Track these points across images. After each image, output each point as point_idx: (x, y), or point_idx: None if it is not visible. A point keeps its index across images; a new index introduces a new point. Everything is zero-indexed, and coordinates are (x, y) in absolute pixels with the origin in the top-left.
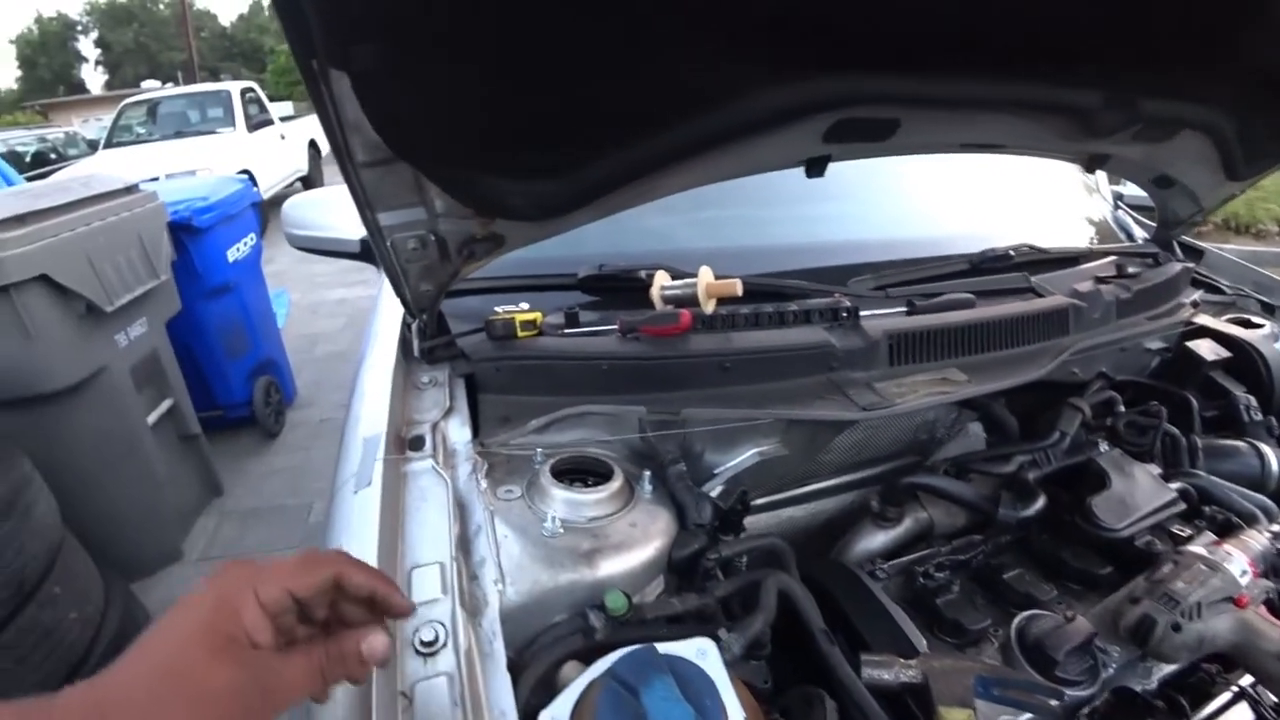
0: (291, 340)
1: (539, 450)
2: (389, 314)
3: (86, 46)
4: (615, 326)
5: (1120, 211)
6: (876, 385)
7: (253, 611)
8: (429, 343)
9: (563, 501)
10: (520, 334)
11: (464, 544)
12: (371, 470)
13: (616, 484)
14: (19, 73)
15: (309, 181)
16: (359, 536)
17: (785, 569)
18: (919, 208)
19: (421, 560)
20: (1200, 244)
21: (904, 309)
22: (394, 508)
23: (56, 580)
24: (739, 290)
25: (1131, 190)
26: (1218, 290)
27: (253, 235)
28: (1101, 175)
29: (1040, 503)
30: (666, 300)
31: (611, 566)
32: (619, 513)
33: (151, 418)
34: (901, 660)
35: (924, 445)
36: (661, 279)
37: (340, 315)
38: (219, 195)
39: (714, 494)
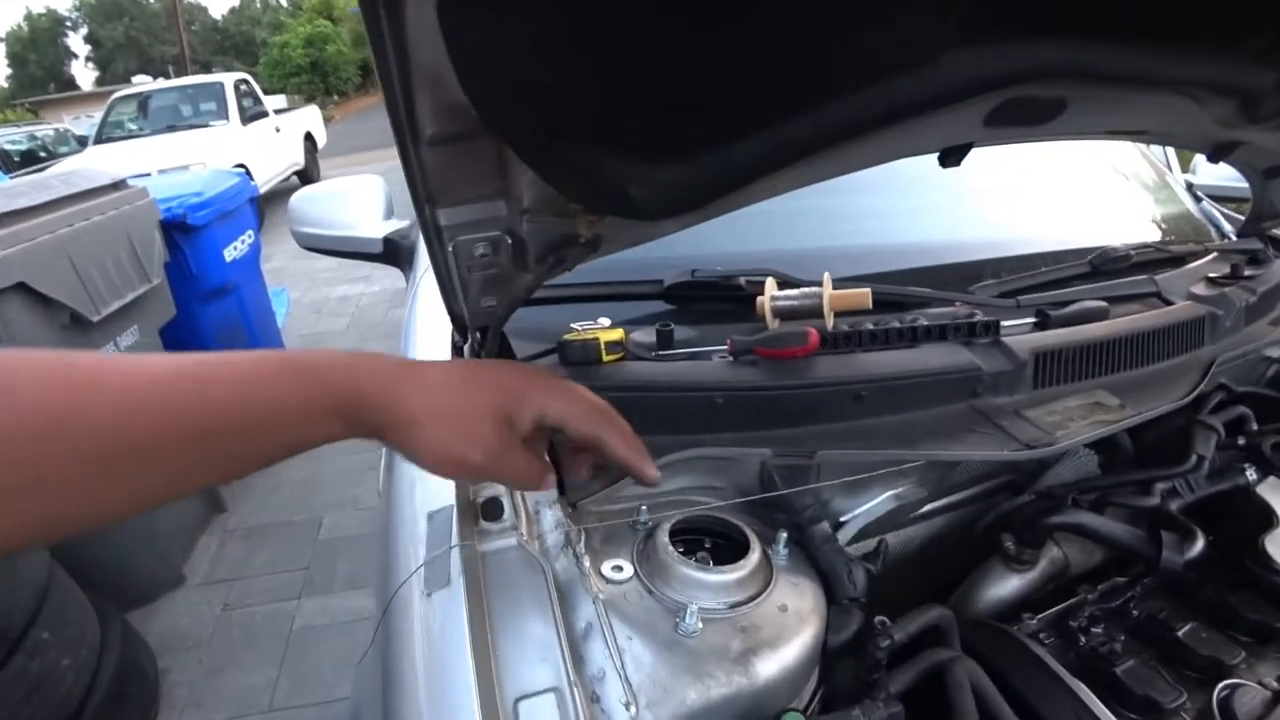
0: (293, 342)
1: (643, 507)
2: (429, 330)
3: (76, 43)
4: (724, 347)
5: (1205, 204)
6: (1027, 414)
7: (530, 417)
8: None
9: (696, 583)
10: (605, 357)
11: (574, 651)
12: (449, 564)
13: (756, 555)
14: (9, 70)
15: (305, 176)
16: (444, 662)
17: (950, 643)
18: (1005, 202)
19: (529, 688)
20: None
21: (1033, 319)
22: (481, 611)
23: (45, 624)
24: (869, 301)
25: (1200, 180)
26: None
27: (251, 232)
28: (1175, 164)
29: (1200, 543)
30: (778, 314)
31: (769, 667)
32: (764, 593)
33: None
34: None
35: (1023, 464)
36: (771, 288)
37: (344, 314)
38: (214, 190)
39: (847, 547)
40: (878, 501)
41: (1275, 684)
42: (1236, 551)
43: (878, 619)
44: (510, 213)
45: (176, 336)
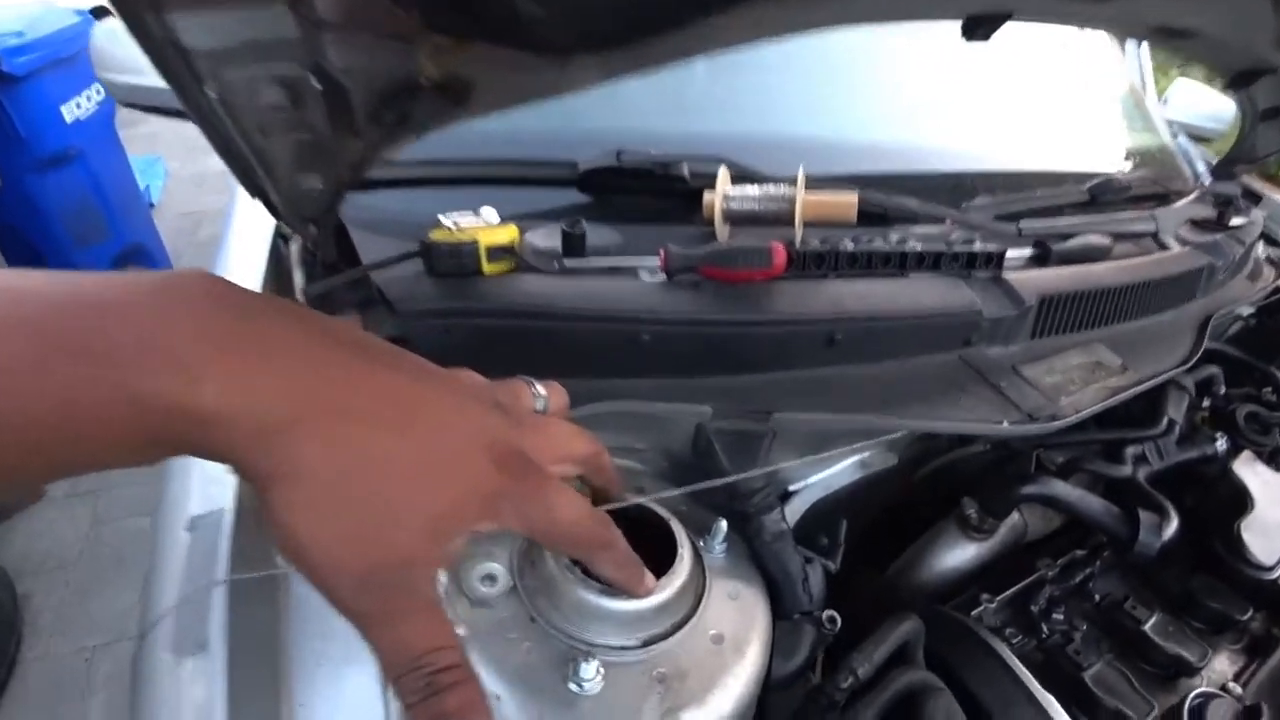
0: (169, 221)
1: None
2: (249, 229)
3: None
4: (655, 261)
5: (1181, 139)
6: (1025, 371)
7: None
8: (322, 283)
9: (598, 613)
10: (488, 267)
11: None
12: (208, 617)
13: (685, 564)
14: None
15: None
16: None
17: (915, 658)
18: (1000, 108)
19: None
20: (1258, 187)
21: (1031, 251)
22: (267, 677)
23: None
24: (854, 211)
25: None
26: (1275, 243)
27: (99, 87)
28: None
29: (1175, 525)
30: (732, 219)
31: None
32: (692, 617)
33: None
34: None
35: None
36: (725, 182)
37: (231, 188)
38: (41, 31)
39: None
40: (838, 470)
41: (1238, 687)
42: (1203, 531)
43: (826, 614)
44: (304, 30)
45: (7, 212)
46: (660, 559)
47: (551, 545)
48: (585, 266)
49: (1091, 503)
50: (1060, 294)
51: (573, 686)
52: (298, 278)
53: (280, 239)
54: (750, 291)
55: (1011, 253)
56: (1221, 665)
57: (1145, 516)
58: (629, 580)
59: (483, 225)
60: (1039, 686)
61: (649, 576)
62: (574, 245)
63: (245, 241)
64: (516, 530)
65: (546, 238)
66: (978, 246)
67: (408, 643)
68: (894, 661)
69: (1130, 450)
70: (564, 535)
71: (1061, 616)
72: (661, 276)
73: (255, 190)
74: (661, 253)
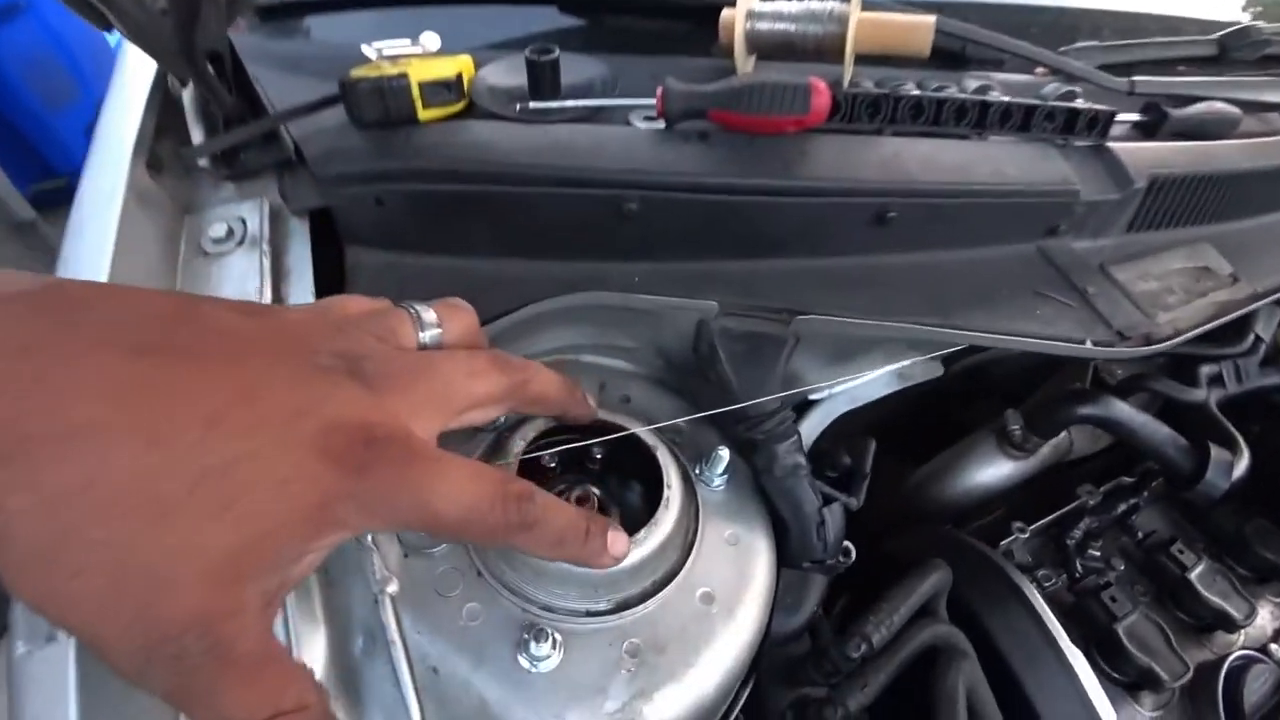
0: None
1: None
2: (137, 77)
3: None
4: (650, 103)
5: None
6: (1116, 274)
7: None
8: (216, 140)
9: (557, 571)
10: (424, 112)
11: (346, 683)
12: None
13: (671, 516)
14: None
15: None
16: None
17: (938, 610)
18: None
19: None
20: None
21: (1140, 117)
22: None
23: None
24: (927, 42)
25: None
26: None
27: None
28: None
29: (1246, 463)
30: (758, 47)
31: (675, 704)
32: (679, 571)
33: None
34: None
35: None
36: None
37: None
38: None
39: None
40: (869, 379)
41: (1278, 650)
42: (1268, 468)
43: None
44: None
45: None
46: (647, 491)
47: (447, 540)
48: (556, 109)
49: (1156, 431)
50: (1174, 176)
51: (524, 662)
52: (196, 134)
53: (161, 86)
54: (776, 148)
55: (1120, 117)
56: (1263, 620)
57: (1216, 453)
58: (576, 558)
59: (421, 54)
60: (1069, 642)
61: (616, 539)
62: (543, 80)
63: (133, 88)
64: (389, 531)
65: (507, 73)
66: (1081, 104)
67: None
68: (914, 616)
69: (1205, 370)
70: (454, 528)
71: (1098, 553)
72: (658, 124)
73: (95, 19)
74: (660, 91)
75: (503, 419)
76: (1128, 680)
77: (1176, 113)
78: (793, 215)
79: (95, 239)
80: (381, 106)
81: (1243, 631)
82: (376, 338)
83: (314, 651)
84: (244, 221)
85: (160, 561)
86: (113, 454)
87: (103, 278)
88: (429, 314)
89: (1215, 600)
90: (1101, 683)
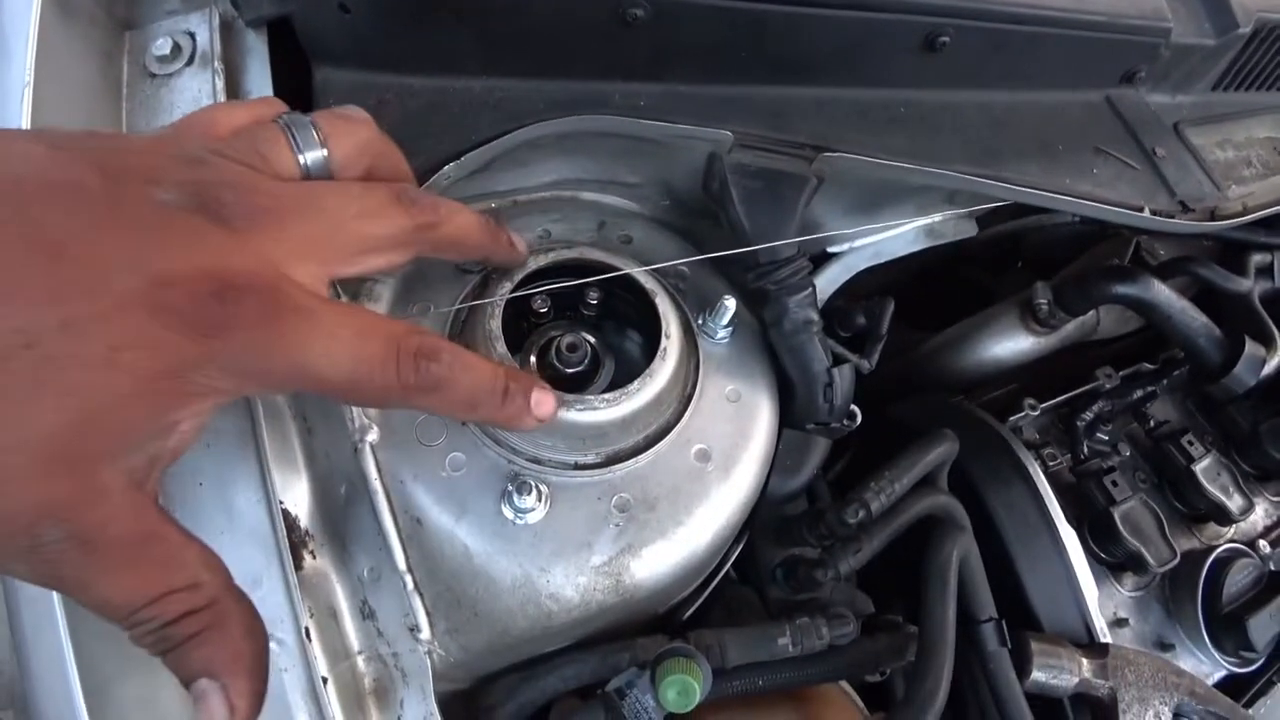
0: None
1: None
2: None
3: None
4: None
5: None
6: (1189, 135)
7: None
8: None
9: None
10: None
11: (330, 531)
12: None
13: (668, 367)
14: None
15: None
16: None
17: (939, 481)
18: None
19: None
20: None
21: None
22: None
23: None
24: None
25: None
26: None
27: None
28: None
29: (1279, 359)
30: None
31: (660, 569)
32: (674, 426)
33: None
34: (1085, 657)
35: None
36: None
37: None
38: None
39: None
40: (897, 232)
41: (1266, 545)
42: None
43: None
44: None
45: None
46: (645, 341)
47: (342, 403)
48: None
49: (1193, 319)
50: None
51: (508, 513)
52: None
53: None
54: None
55: None
56: (1256, 517)
57: (1250, 348)
58: (493, 421)
59: None
60: (1064, 521)
61: (542, 400)
62: None
63: None
64: (277, 393)
65: None
66: None
67: (111, 604)
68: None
69: (1256, 259)
70: (340, 389)
71: (1106, 437)
72: None
73: None
74: None
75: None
76: (1114, 560)
77: None
78: (827, 33)
79: (16, 64)
80: None
81: (1235, 525)
82: (245, 164)
83: (297, 498)
84: (192, 36)
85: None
86: None
87: (25, 109)
88: (310, 131)
89: (1214, 493)
90: (1089, 561)
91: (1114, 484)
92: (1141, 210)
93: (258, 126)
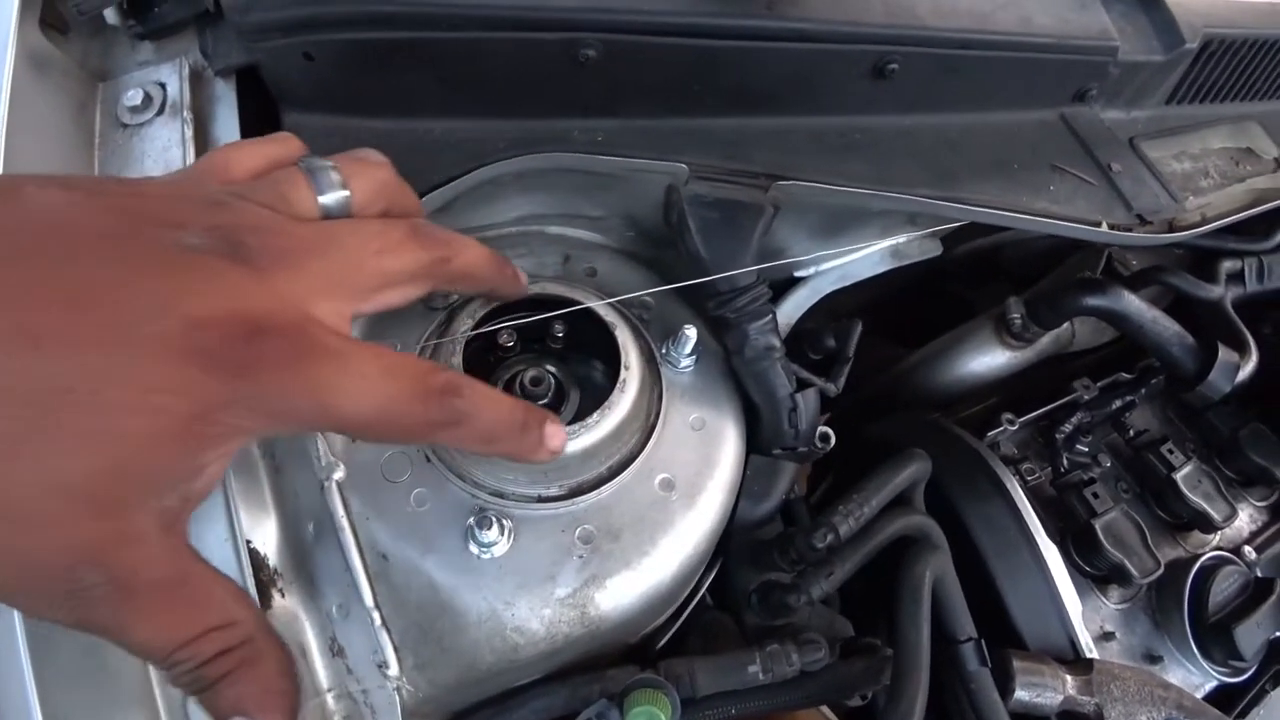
0: None
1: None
2: None
3: None
4: None
5: None
6: (1145, 149)
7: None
8: None
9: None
10: None
11: (299, 569)
12: None
13: (628, 399)
14: None
15: None
16: None
17: (915, 502)
18: None
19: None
20: None
21: None
22: None
23: None
24: None
25: None
26: None
27: None
28: None
29: (1253, 366)
30: None
31: (624, 601)
32: (636, 456)
33: None
34: (1069, 674)
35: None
36: None
37: None
38: None
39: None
40: (860, 255)
41: (1251, 551)
42: (1273, 369)
43: (819, 431)
44: None
45: None
46: (609, 371)
47: (365, 440)
48: None
49: (1165, 328)
50: (1233, 38)
51: (472, 548)
52: None
53: None
54: None
55: None
56: (1240, 523)
57: (1223, 354)
58: (512, 453)
59: None
60: (1044, 536)
61: (554, 433)
62: None
63: None
64: (297, 434)
65: None
66: None
67: (150, 646)
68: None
69: (1226, 265)
70: (366, 428)
71: (1086, 449)
72: None
73: None
74: None
75: (456, 296)
76: (1098, 574)
77: None
78: (778, 64)
79: None
80: None
81: (1219, 533)
82: (266, 206)
83: (265, 537)
84: (163, 87)
85: (16, 498)
86: None
87: None
88: (330, 173)
89: (1197, 501)
90: (1071, 575)
91: (1095, 495)
92: (1099, 225)
93: (278, 170)
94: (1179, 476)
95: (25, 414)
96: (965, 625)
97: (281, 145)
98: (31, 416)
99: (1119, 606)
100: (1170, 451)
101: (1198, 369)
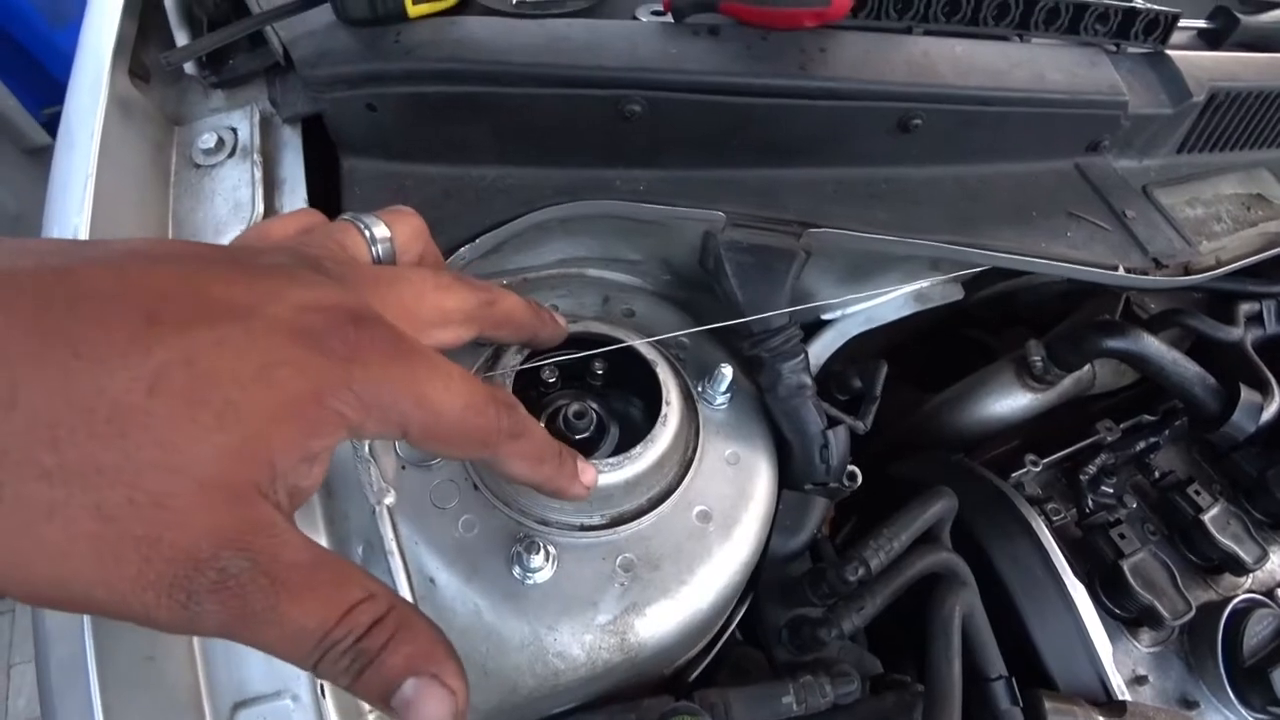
0: None
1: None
2: None
3: None
4: None
5: None
6: (1158, 196)
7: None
8: (205, 40)
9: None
10: (414, 8)
11: None
12: None
13: (668, 432)
14: None
15: None
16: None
17: (942, 536)
18: None
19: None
20: None
21: (1206, 23)
22: None
23: None
24: None
25: None
26: None
27: None
28: None
29: (1276, 404)
30: None
31: (664, 628)
32: (675, 489)
33: None
34: (1101, 716)
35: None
36: None
37: None
38: None
39: (814, 364)
40: (885, 299)
41: None
42: None
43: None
44: None
45: None
46: (647, 408)
47: (434, 447)
48: (556, 2)
49: (1185, 369)
50: (1238, 91)
51: (517, 573)
52: (180, 38)
53: None
54: (792, 45)
55: (1184, 22)
56: (1272, 565)
57: (1246, 395)
58: (551, 479)
59: None
60: (1071, 575)
61: (585, 469)
62: None
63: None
64: (377, 436)
65: None
66: (1140, 4)
67: (306, 630)
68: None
69: (1244, 308)
70: (449, 430)
71: (1111, 490)
72: (666, 18)
73: None
74: None
75: None
76: (1128, 616)
77: (1249, 19)
78: (808, 120)
79: (81, 155)
80: (368, 2)
81: (1251, 575)
82: (328, 250)
83: None
84: (234, 131)
85: (147, 481)
86: (22, 368)
87: (88, 195)
88: (379, 227)
89: (1226, 543)
90: (1101, 617)
91: (1121, 536)
92: (1116, 269)
93: (326, 223)
94: (1207, 518)
95: (143, 386)
96: (996, 663)
97: (308, 215)
98: (149, 388)
99: (1150, 649)
100: (1197, 493)
101: (1221, 410)
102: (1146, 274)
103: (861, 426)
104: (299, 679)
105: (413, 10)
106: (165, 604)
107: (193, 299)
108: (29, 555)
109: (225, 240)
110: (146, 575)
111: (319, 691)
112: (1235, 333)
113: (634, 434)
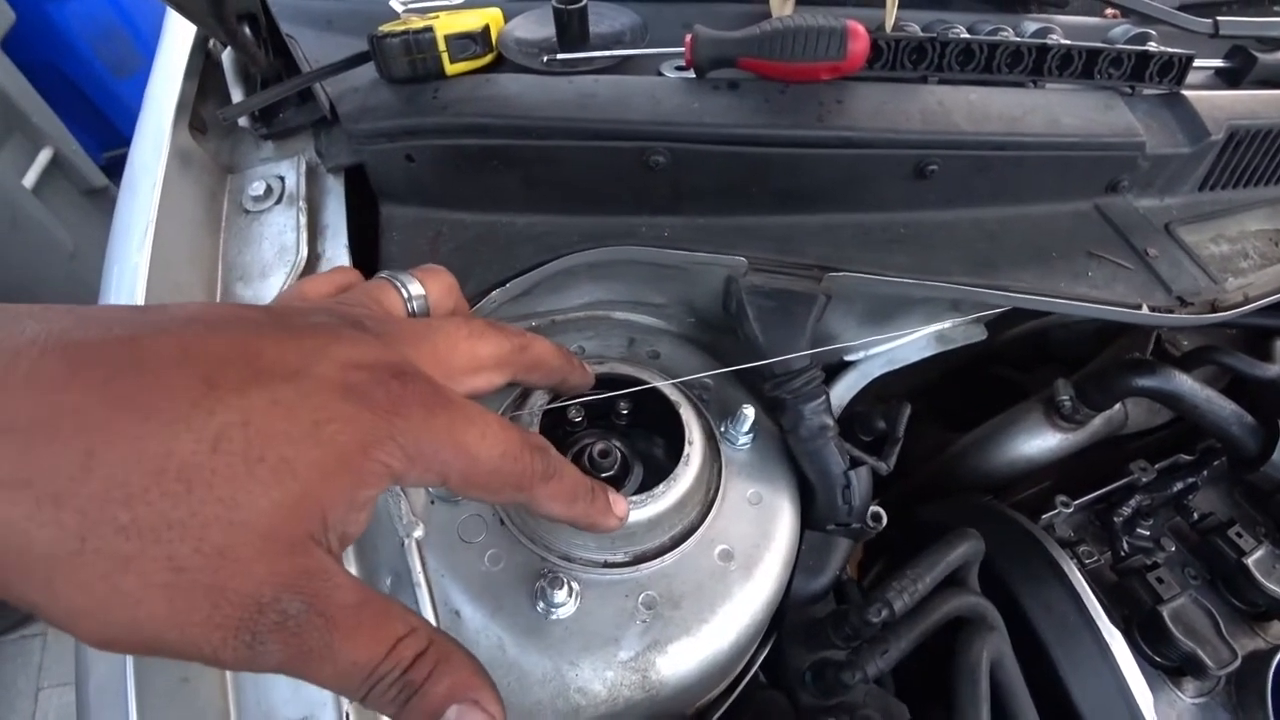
0: None
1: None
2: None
3: None
4: (679, 51)
5: None
6: (1181, 234)
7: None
8: (258, 97)
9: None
10: (451, 66)
11: None
12: None
13: (691, 471)
14: None
15: None
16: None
17: (969, 582)
18: None
19: (284, 714)
20: None
21: (1223, 63)
22: None
23: None
24: None
25: None
26: None
27: None
28: None
29: None
30: None
31: (685, 666)
32: (697, 528)
33: (29, 178)
34: None
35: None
36: None
37: None
38: None
39: (837, 405)
40: (906, 340)
41: None
42: None
43: (870, 511)
44: None
45: (32, 47)
46: (671, 447)
47: (473, 492)
48: (585, 59)
49: (1221, 408)
50: (1257, 129)
51: (540, 608)
52: (235, 94)
53: (202, 51)
54: (810, 97)
55: (1199, 61)
56: None
57: None
58: (585, 515)
59: (450, 8)
60: (1107, 621)
61: (618, 501)
62: (570, 30)
63: (177, 52)
64: (419, 483)
65: (535, 24)
66: (1154, 47)
67: (358, 665)
68: (941, 584)
69: None
70: (487, 476)
71: (1148, 532)
72: (688, 74)
73: None
74: (689, 39)
75: None
76: (1170, 664)
77: (1266, 57)
78: (826, 168)
79: (143, 200)
80: (408, 61)
81: None
82: (365, 307)
83: None
84: (282, 180)
85: (213, 535)
86: (98, 434)
87: (148, 237)
88: (413, 283)
89: (1272, 588)
90: (1141, 666)
91: (1159, 580)
92: (1140, 308)
93: (364, 282)
94: (1251, 561)
95: (206, 445)
96: (1028, 712)
97: (344, 273)
98: (212, 447)
99: (1195, 700)
100: (1239, 535)
101: (1260, 449)
102: (1171, 312)
103: (884, 467)
104: (324, 704)
105: (450, 68)
106: (231, 644)
107: (247, 362)
108: (107, 602)
109: (270, 281)
110: (214, 619)
111: (344, 716)
112: (1273, 369)
113: (657, 473)
